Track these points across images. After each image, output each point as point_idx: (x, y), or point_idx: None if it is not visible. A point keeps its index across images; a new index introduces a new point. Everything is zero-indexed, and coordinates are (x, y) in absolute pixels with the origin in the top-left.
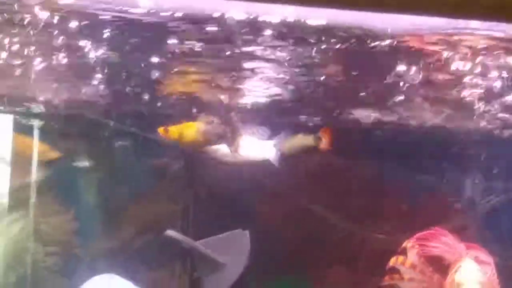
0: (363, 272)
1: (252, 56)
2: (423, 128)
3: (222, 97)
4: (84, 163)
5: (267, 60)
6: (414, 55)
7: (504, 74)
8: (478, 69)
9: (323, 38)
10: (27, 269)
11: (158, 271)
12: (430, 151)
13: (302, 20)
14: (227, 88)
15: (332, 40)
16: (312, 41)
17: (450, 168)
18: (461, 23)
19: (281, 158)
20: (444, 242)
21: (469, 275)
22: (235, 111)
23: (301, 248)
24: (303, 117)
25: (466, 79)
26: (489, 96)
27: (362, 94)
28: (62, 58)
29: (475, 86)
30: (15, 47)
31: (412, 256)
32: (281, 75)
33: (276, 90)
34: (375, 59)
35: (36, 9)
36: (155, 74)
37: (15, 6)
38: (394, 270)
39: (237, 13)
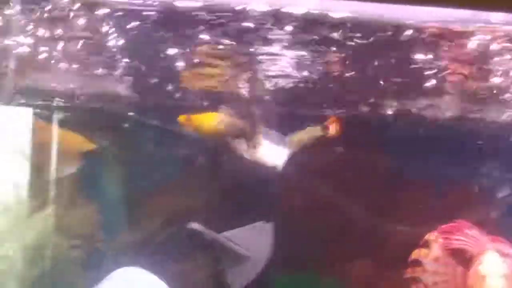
0: (386, 265)
1: (273, 50)
2: (446, 119)
3: (243, 90)
4: (107, 156)
5: (289, 52)
6: (436, 46)
7: None
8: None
9: (346, 31)
10: (50, 263)
11: (182, 263)
12: (453, 143)
13: (325, 12)
14: (248, 81)
15: (354, 33)
16: (334, 34)
17: (474, 160)
18: (483, 14)
19: (296, 154)
20: (467, 235)
21: (493, 268)
22: (255, 106)
23: (324, 241)
24: (326, 110)
25: (490, 68)
26: None
27: (385, 85)
28: (83, 48)
29: (502, 75)
30: (37, 37)
31: (435, 249)
32: (303, 68)
33: (298, 83)
34: (400, 50)
35: None
36: (178, 66)
37: None
38: (417, 263)
39: (260, 5)
